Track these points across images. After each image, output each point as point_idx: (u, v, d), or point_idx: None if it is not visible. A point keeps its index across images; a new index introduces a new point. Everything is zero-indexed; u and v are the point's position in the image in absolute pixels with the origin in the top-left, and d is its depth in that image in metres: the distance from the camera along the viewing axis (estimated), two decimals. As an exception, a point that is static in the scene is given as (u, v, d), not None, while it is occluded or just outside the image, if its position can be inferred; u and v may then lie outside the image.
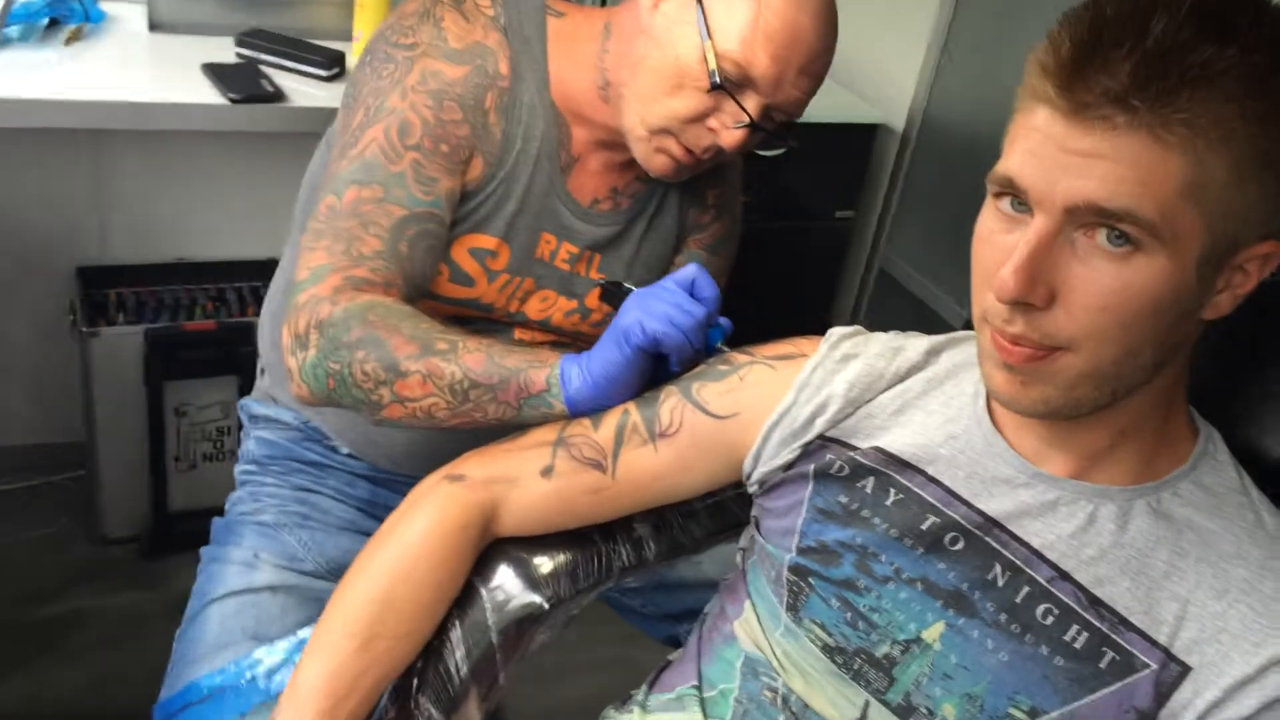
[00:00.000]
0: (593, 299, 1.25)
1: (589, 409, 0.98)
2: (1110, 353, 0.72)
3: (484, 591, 0.97)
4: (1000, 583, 0.83)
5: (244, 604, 1.18)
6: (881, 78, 2.63)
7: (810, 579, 0.90)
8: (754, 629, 0.95)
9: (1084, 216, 0.69)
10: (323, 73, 1.92)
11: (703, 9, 1.06)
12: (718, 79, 1.05)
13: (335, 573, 1.23)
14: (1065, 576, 0.81)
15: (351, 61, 1.97)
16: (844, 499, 0.89)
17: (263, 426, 1.34)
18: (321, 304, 1.02)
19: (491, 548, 0.99)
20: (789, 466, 0.93)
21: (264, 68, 1.90)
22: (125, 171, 2.04)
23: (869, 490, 0.88)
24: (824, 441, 0.91)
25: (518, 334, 1.25)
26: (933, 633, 0.84)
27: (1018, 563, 0.82)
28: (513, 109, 1.14)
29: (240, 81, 1.81)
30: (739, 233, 1.37)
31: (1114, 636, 0.79)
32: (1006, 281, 0.70)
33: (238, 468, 1.35)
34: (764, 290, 2.23)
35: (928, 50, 2.52)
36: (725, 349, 1.01)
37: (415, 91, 1.09)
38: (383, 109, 1.09)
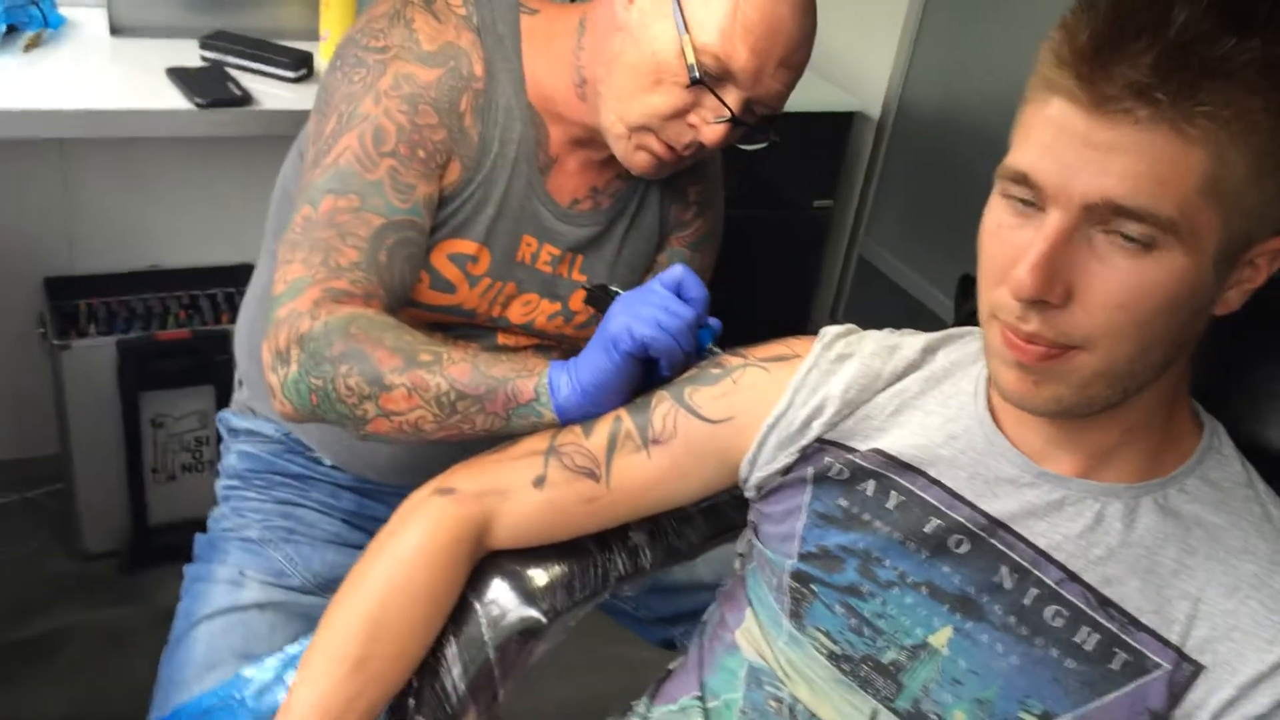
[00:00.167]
0: (576, 301, 1.22)
1: (579, 417, 0.96)
2: (1125, 351, 0.71)
3: (479, 607, 0.95)
4: (1008, 585, 0.81)
5: (231, 623, 1.16)
6: (856, 65, 2.63)
7: (813, 585, 0.88)
8: (756, 638, 0.93)
9: (1102, 214, 0.68)
10: (290, 74, 1.89)
11: (679, 2, 1.04)
12: (697, 74, 1.03)
13: (322, 587, 1.22)
14: (1074, 577, 0.80)
15: (319, 62, 1.94)
16: (844, 503, 0.88)
17: (243, 440, 1.32)
18: (301, 318, 0.99)
19: (485, 561, 0.97)
20: (787, 470, 0.91)
21: (230, 70, 1.86)
22: (91, 179, 2.00)
23: (869, 493, 0.87)
24: (822, 444, 0.90)
25: (501, 339, 1.23)
26: (940, 638, 0.83)
27: (1025, 564, 0.81)
28: (489, 111, 1.11)
29: (207, 85, 1.77)
30: (722, 229, 1.35)
31: (1125, 637, 0.78)
32: (1024, 280, 0.69)
33: (219, 483, 1.32)
34: (744, 282, 2.21)
35: (902, 36, 2.52)
36: (716, 350, 0.99)
37: (389, 96, 1.06)
38: (356, 115, 1.06)
